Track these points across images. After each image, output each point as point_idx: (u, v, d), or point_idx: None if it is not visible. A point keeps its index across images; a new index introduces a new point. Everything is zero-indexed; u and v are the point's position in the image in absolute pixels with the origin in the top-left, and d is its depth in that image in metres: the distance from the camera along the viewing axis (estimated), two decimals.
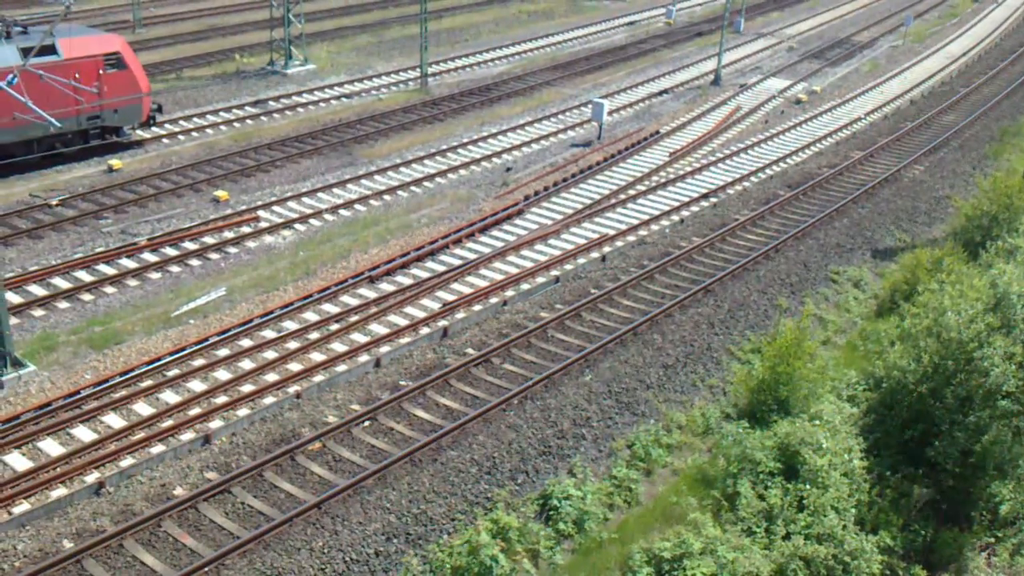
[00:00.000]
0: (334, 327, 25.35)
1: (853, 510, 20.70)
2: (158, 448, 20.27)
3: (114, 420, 21.10)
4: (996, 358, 21.41)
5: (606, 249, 30.94)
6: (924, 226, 35.50)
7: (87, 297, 26.39)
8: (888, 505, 21.41)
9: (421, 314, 26.37)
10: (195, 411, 21.50)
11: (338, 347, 24.56)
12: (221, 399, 22.05)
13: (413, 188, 35.61)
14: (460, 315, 26.41)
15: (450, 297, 27.33)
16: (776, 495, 20.32)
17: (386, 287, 27.77)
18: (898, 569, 20.63)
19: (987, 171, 40.27)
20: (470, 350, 24.72)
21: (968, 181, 39.77)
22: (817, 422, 22.21)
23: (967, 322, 22.22)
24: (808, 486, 20.54)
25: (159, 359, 23.28)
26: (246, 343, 24.45)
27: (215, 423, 21.22)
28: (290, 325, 25.44)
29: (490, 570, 17.34)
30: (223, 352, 23.98)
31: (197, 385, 22.56)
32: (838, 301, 29.69)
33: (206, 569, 17.10)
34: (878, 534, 20.44)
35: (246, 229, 31.13)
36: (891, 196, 37.31)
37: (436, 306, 26.79)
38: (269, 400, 22.15)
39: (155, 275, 27.94)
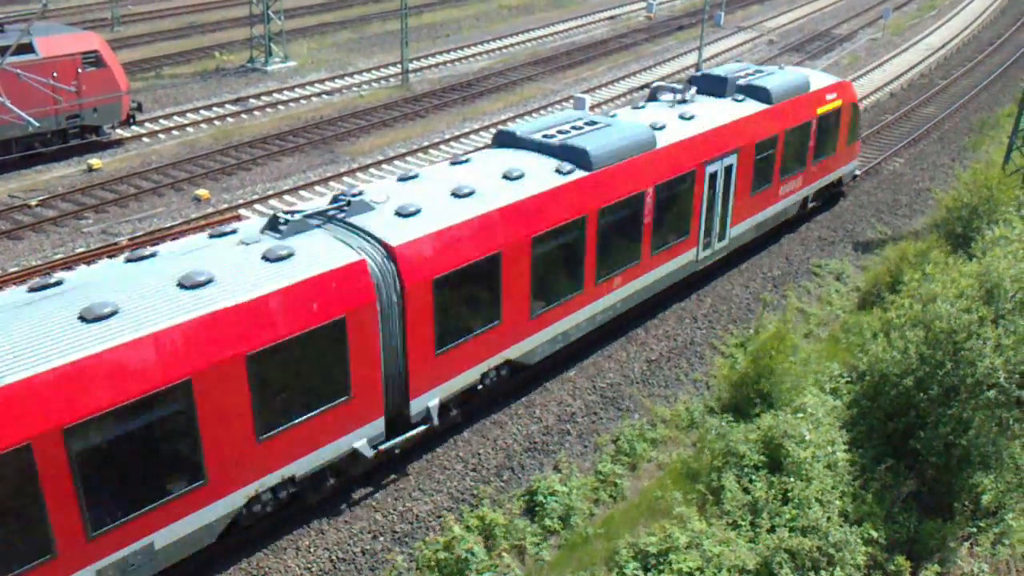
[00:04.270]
0: None
1: (837, 502, 20.80)
2: None
3: None
4: (987, 349, 21.50)
5: None
6: (905, 219, 35.69)
7: None
8: (872, 497, 21.52)
9: None
10: None
11: None
12: None
13: None
14: None
15: None
16: (761, 488, 20.41)
17: None
18: (882, 560, 20.76)
19: (966, 163, 40.53)
20: None
21: (948, 173, 40.00)
22: (800, 415, 22.30)
23: (961, 312, 22.26)
24: (792, 479, 20.63)
25: None
26: None
27: None
28: None
29: (467, 563, 17.30)
30: None
31: None
32: (820, 294, 29.82)
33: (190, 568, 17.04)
34: (862, 526, 20.56)
35: None
36: (872, 189, 37.50)
37: None
38: None
39: None
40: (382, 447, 18.44)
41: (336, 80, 48.41)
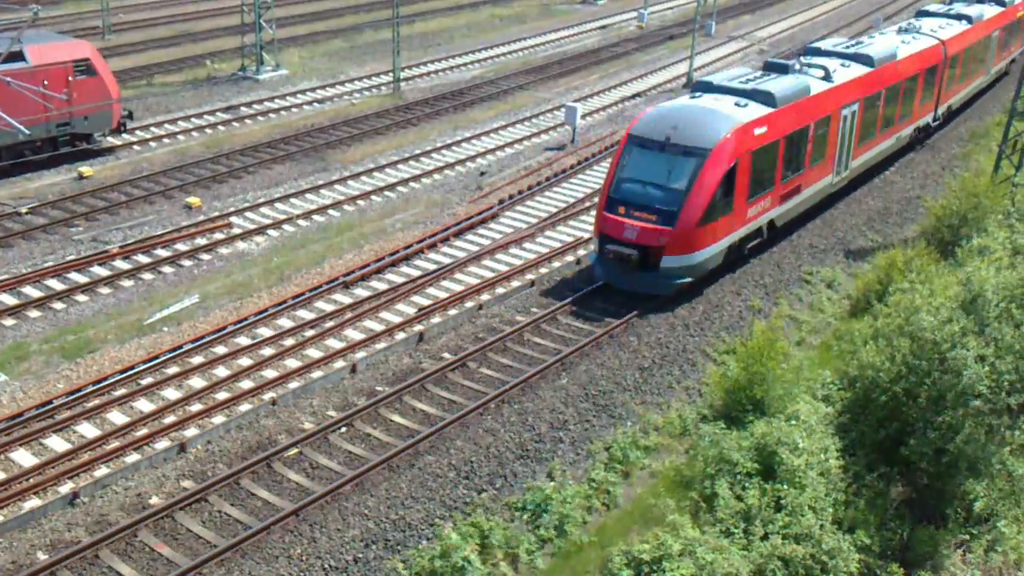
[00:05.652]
0: (309, 333, 25.24)
1: (830, 509, 20.77)
2: (133, 457, 20.09)
3: (88, 429, 20.89)
4: (969, 359, 21.53)
5: (581, 252, 30.98)
6: (896, 226, 35.79)
7: (59, 306, 26.13)
8: (865, 504, 21.52)
9: (397, 319, 26.30)
10: (170, 419, 21.33)
11: (313, 353, 24.44)
12: (196, 407, 21.88)
13: (387, 193, 35.53)
14: (436, 320, 26.37)
15: (426, 302, 27.27)
16: (754, 496, 20.36)
17: (361, 292, 27.68)
18: (875, 567, 20.75)
19: (956, 171, 40.67)
20: (446, 354, 24.67)
21: (938, 182, 40.14)
22: (793, 422, 22.28)
23: (942, 323, 22.31)
24: (785, 486, 20.59)
25: (132, 367, 23.08)
26: (220, 350, 24.28)
27: (190, 431, 21.06)
28: (265, 331, 25.29)
29: (463, 571, 17.25)
30: (197, 360, 23.81)
31: (172, 393, 22.39)
32: (812, 302, 29.86)
33: None
34: (855, 533, 20.54)
35: (219, 236, 30.94)
36: (863, 196, 37.61)
37: (412, 311, 26.72)
38: (245, 407, 21.99)
39: (127, 283, 27.71)
40: None
41: (328, 88, 48.39)
